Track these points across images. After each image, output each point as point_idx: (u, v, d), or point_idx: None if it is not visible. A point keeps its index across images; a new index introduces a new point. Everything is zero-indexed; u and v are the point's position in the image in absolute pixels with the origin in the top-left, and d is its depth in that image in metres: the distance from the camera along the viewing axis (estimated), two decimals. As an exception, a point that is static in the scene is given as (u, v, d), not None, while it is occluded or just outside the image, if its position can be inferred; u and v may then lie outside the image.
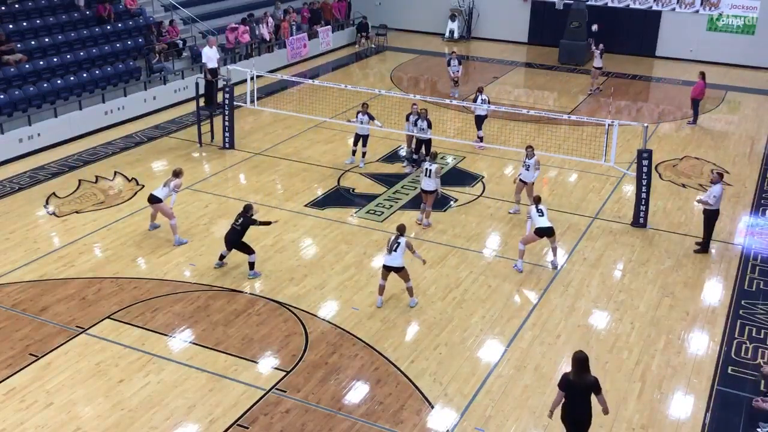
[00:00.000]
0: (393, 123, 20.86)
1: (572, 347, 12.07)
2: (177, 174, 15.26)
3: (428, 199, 15.92)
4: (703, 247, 15.16)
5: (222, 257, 14.14)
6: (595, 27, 29.15)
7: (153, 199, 15.08)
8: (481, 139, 20.16)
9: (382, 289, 13.06)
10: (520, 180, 16.36)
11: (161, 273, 14.06)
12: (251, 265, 13.82)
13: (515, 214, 16.53)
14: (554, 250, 14.47)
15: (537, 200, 14.37)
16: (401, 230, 12.86)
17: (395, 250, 12.64)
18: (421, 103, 20.72)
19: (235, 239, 13.75)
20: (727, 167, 19.49)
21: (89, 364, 11.43)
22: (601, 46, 25.96)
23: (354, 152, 19.19)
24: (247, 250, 13.79)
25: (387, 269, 12.85)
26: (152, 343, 12.00)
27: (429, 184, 15.74)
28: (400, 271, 12.82)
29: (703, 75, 22.86)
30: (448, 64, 25.15)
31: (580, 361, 9.03)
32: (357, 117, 18.90)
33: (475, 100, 20.43)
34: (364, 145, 18.93)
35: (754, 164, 19.98)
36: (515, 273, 14.21)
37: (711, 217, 14.99)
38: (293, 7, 30.57)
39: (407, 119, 18.77)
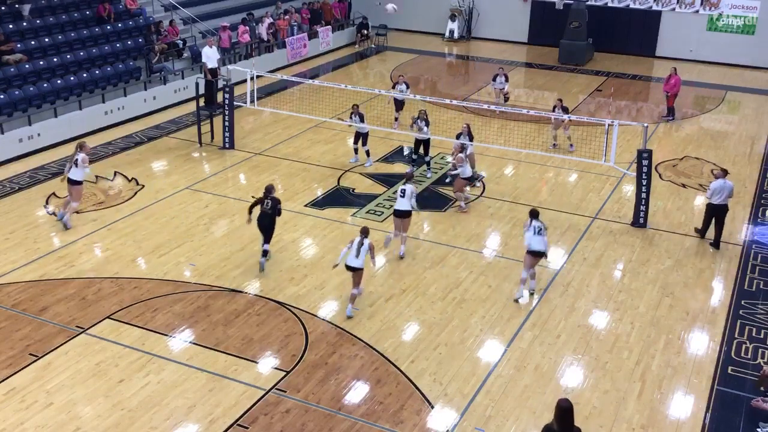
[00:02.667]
0: (392, 123, 20.85)
1: (572, 347, 12.10)
2: (80, 147, 15.22)
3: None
4: (714, 243, 15.32)
5: (265, 252, 14.10)
6: (390, 7, 25.77)
7: (71, 181, 15.20)
8: (396, 119, 21.48)
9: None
10: None
11: (161, 273, 14.06)
12: (264, 252, 14.02)
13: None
14: (402, 239, 14.58)
15: (408, 179, 14.89)
16: (365, 232, 12.65)
17: (359, 253, 12.47)
18: (421, 103, 20.75)
19: (270, 223, 13.93)
20: (727, 167, 19.33)
21: (89, 364, 11.43)
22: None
23: (356, 151, 19.22)
24: (270, 235, 14.04)
25: (348, 269, 12.69)
26: (152, 343, 12.00)
27: (467, 171, 16.73)
28: (357, 271, 12.66)
29: (675, 69, 22.91)
30: (494, 80, 23.76)
31: (566, 411, 7.99)
32: (351, 118, 18.96)
33: (394, 87, 21.32)
34: (364, 144, 18.95)
35: (754, 164, 19.97)
36: (515, 273, 14.17)
37: (717, 213, 15.02)
38: (294, 7, 30.57)
39: (457, 137, 18.66)
